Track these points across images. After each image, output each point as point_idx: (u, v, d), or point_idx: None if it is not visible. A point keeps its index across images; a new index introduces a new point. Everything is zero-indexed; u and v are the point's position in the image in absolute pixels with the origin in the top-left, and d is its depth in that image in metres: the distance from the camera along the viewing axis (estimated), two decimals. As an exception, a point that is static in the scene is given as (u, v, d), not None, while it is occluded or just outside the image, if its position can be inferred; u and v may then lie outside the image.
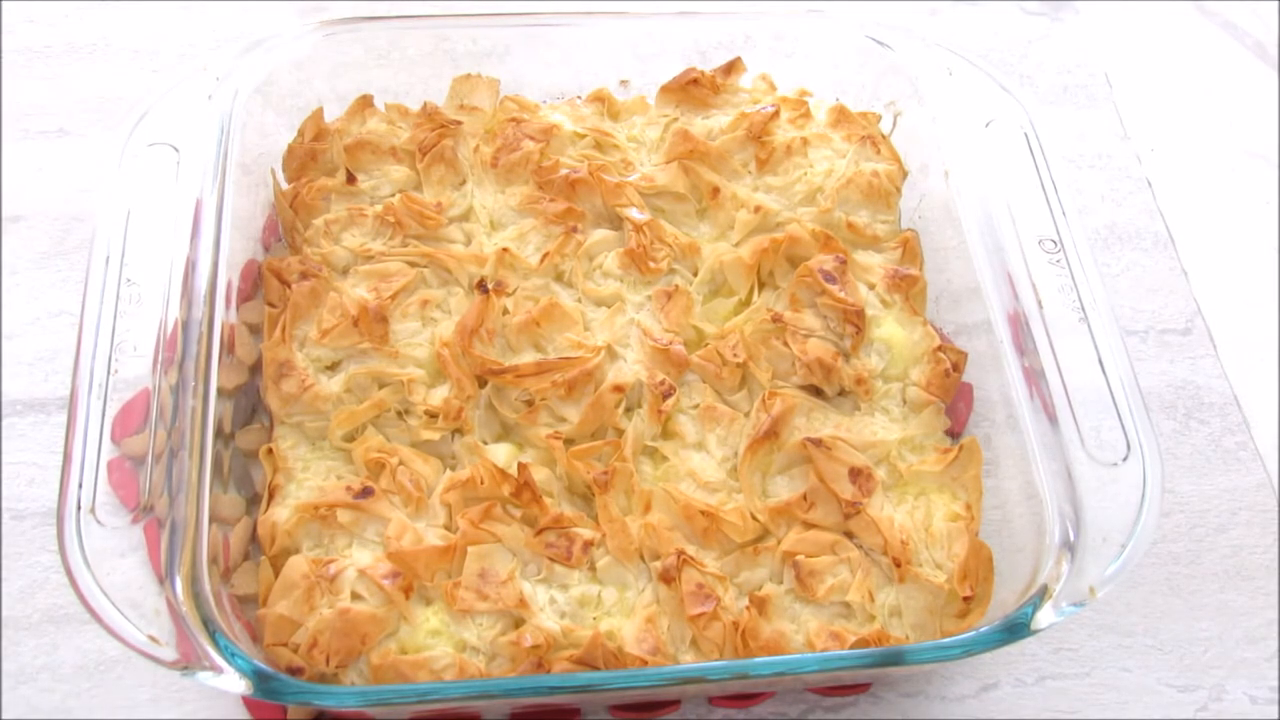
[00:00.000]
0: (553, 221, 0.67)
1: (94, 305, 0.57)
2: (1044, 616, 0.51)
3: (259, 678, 0.49)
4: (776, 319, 0.64)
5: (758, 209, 0.68)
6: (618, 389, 0.61)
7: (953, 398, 0.64)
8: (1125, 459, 0.55)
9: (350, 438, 0.61)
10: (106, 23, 0.87)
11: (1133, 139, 0.86)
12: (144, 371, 0.56)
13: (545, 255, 0.66)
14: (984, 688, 0.63)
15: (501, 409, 0.62)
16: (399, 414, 0.61)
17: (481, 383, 0.62)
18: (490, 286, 0.64)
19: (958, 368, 0.64)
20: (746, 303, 0.66)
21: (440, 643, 0.55)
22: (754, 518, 0.59)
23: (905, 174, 0.71)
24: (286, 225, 0.68)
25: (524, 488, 0.58)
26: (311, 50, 0.70)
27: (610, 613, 0.57)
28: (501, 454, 0.61)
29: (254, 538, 0.59)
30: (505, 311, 0.64)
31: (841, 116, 0.72)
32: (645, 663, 0.54)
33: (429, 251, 0.66)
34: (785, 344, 0.63)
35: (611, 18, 0.75)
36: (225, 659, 0.49)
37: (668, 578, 0.56)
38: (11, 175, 0.79)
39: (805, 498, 0.59)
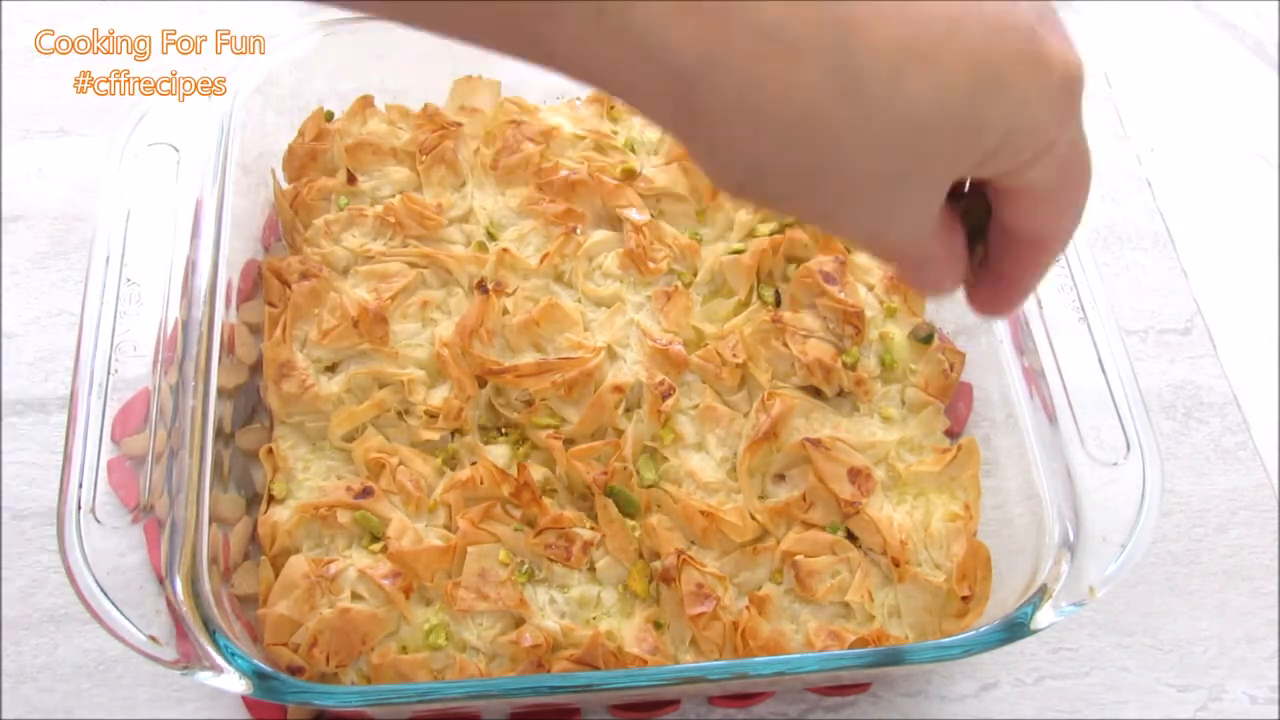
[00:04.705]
0: (553, 223, 0.67)
1: (94, 305, 0.57)
2: (1043, 616, 0.51)
3: (259, 677, 0.49)
4: (776, 319, 0.64)
5: (757, 209, 0.68)
6: (618, 389, 0.61)
7: (952, 398, 0.64)
8: (1125, 459, 0.55)
9: (350, 438, 0.61)
10: (107, 22, 0.87)
11: (1132, 139, 0.86)
12: (144, 371, 0.56)
13: (545, 256, 0.66)
14: (984, 688, 0.63)
15: (502, 409, 0.62)
16: (399, 414, 0.62)
17: (481, 383, 0.62)
18: (490, 287, 0.64)
19: (956, 368, 0.64)
20: (746, 303, 0.66)
21: (439, 643, 0.55)
22: (753, 518, 0.59)
23: (905, 174, 0.71)
24: (286, 225, 0.68)
25: (523, 488, 0.58)
26: (311, 50, 0.70)
27: (610, 613, 0.57)
28: (501, 454, 0.61)
29: (254, 538, 0.60)
30: (505, 312, 0.64)
31: (841, 117, 0.72)
32: (645, 663, 0.54)
33: (429, 252, 0.66)
34: (785, 344, 0.63)
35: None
36: (225, 659, 0.49)
37: (668, 578, 0.56)
38: (11, 175, 0.79)
39: (804, 498, 0.59)
